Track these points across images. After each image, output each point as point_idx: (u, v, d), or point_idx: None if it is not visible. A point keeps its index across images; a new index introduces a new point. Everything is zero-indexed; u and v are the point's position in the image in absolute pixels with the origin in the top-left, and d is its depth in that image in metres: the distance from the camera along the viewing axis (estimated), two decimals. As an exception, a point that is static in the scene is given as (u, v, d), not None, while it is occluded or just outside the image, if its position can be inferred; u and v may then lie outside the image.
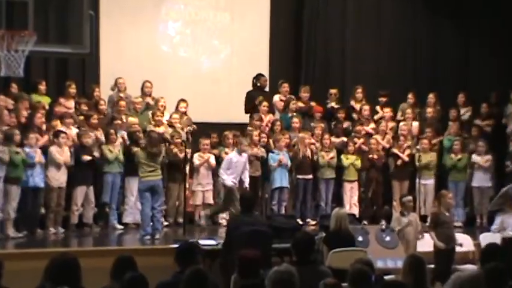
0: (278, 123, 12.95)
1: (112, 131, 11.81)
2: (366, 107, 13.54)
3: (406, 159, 12.82)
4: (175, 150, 11.90)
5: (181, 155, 11.72)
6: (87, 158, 11.33)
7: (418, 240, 9.65)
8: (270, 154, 12.49)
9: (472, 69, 15.54)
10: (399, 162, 12.84)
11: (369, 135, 13.23)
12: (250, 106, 13.26)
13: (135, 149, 11.30)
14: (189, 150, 11.90)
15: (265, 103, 13.15)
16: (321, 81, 14.83)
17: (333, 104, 13.79)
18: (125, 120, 12.21)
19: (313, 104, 13.57)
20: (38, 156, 10.81)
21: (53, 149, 11.12)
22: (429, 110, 13.69)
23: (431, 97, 13.81)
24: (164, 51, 14.39)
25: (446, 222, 9.43)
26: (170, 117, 12.54)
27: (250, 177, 12.27)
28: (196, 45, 14.59)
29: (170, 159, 11.84)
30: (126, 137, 12.06)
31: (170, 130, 12.29)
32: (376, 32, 15.50)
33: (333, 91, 13.92)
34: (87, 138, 11.48)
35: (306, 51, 15.14)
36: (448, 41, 15.52)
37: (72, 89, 12.35)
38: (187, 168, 11.99)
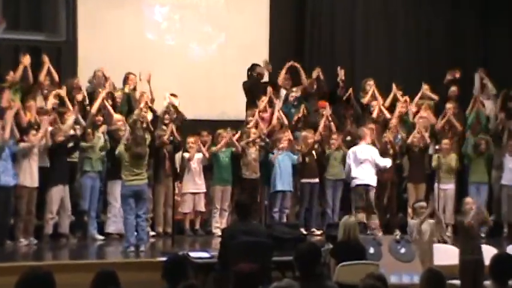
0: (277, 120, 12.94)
1: (89, 129, 11.76)
2: (374, 103, 13.44)
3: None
4: (163, 147, 11.88)
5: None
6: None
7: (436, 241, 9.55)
8: (271, 154, 12.46)
9: (491, 60, 15.53)
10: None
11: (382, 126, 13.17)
12: (253, 93, 13.19)
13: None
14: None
15: (263, 98, 13.13)
16: (327, 72, 14.78)
17: (341, 79, 13.70)
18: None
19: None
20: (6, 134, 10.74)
21: (23, 146, 11.05)
22: (449, 106, 13.42)
23: (453, 90, 13.68)
24: (150, 39, 14.39)
25: (470, 232, 9.36)
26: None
27: (247, 180, 12.23)
28: (186, 33, 14.59)
29: (157, 159, 11.79)
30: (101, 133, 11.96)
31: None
32: (388, 18, 15.51)
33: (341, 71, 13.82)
34: (61, 137, 11.41)
35: (310, 39, 15.13)
36: (467, 29, 15.56)
37: (46, 81, 12.31)
38: (178, 168, 12.00)
